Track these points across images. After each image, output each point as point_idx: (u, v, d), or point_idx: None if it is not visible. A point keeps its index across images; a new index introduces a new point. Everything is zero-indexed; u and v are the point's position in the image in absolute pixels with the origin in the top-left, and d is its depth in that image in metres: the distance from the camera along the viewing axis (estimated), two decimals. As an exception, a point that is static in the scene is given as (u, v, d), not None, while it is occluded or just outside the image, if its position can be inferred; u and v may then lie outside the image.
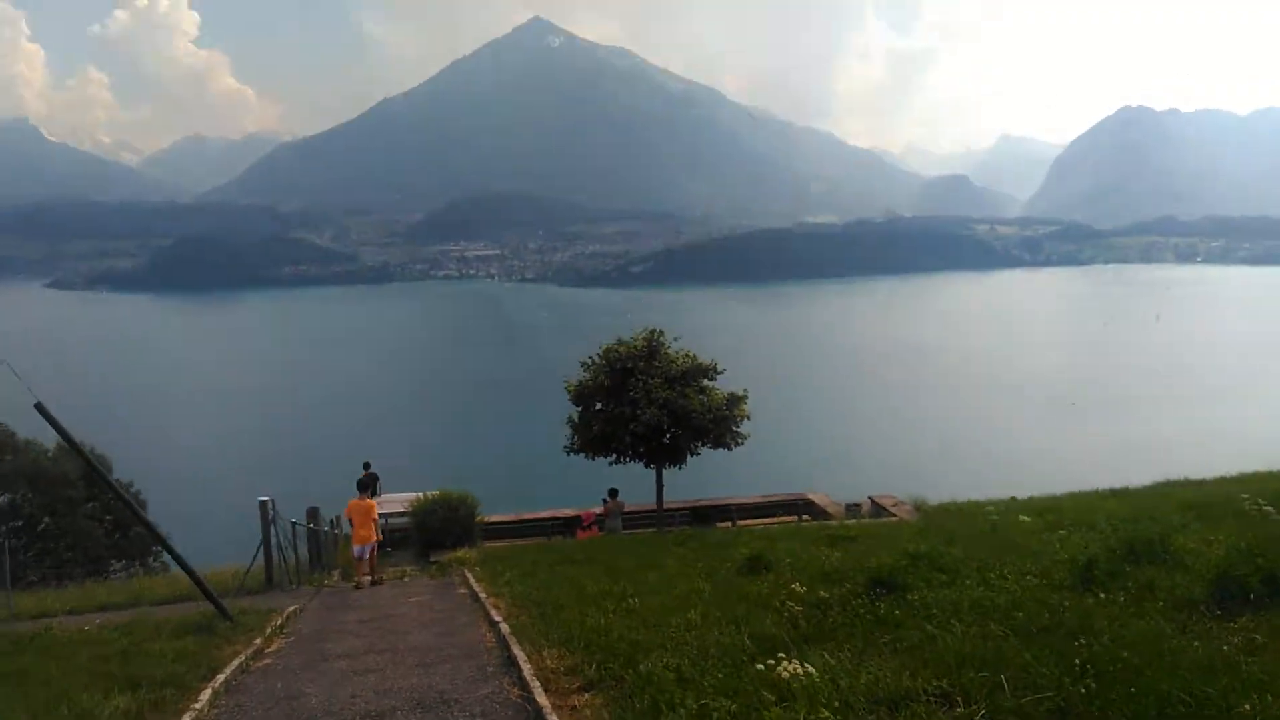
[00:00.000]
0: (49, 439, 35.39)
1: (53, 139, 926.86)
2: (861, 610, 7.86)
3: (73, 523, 31.48)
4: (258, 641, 8.68)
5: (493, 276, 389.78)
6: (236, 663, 7.65)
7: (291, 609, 10.96)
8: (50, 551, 30.27)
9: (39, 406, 8.12)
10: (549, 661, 7.10)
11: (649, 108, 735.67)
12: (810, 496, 26.22)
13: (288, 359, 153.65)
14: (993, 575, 9.22)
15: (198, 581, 9.21)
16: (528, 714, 6.05)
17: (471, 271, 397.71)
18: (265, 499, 13.23)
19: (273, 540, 13.38)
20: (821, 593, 8.53)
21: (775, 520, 22.76)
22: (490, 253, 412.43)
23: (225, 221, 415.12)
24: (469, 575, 13.38)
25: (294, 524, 14.84)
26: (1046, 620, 6.99)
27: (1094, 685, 5.33)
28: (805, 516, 24.68)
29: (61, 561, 30.09)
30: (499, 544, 21.39)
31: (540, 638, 7.87)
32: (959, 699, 5.47)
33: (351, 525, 15.91)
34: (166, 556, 35.41)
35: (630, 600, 9.36)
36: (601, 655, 6.99)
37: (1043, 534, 12.07)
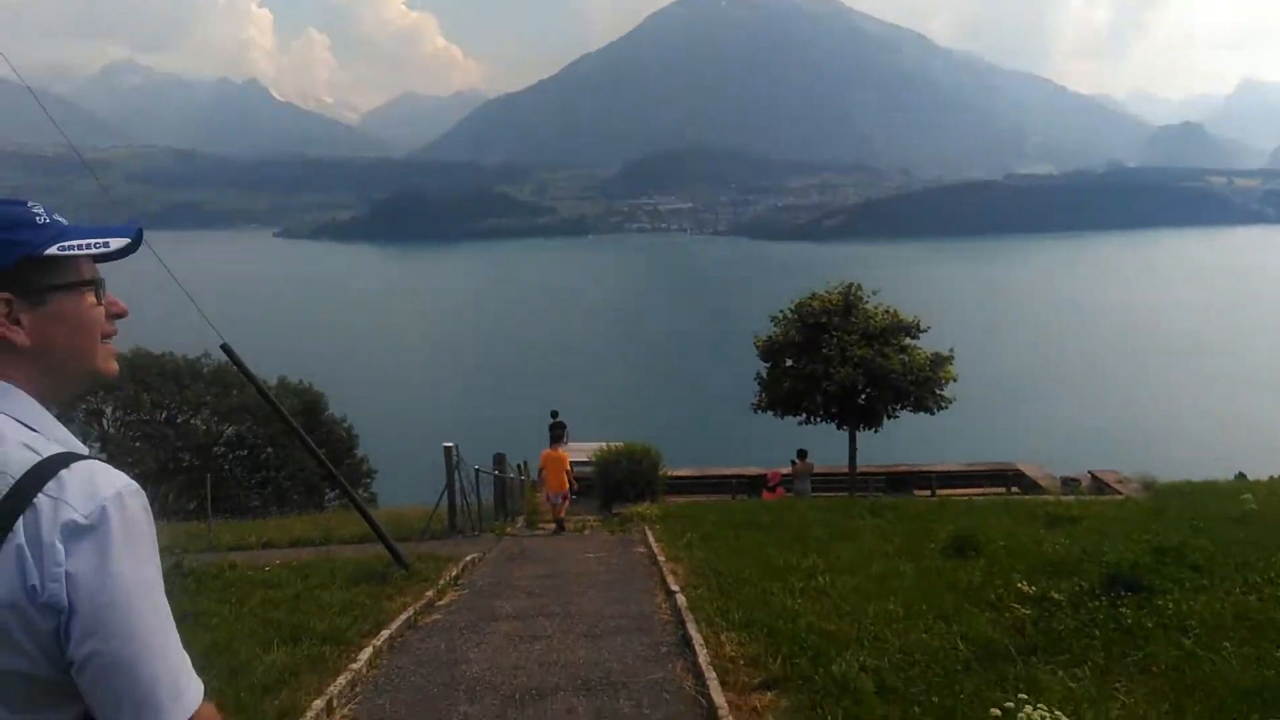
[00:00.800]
0: (273, 374, 38.24)
1: (280, 98, 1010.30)
2: (1100, 616, 6.58)
3: (291, 454, 33.81)
4: (429, 594, 8.42)
5: (685, 230, 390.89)
6: (404, 618, 7.36)
7: (470, 558, 10.77)
8: (271, 480, 32.49)
9: (225, 347, 8.10)
10: (728, 648, 6.32)
11: (848, 55, 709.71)
12: (1020, 466, 24.18)
13: (488, 308, 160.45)
14: (1258, 578, 7.64)
15: (375, 528, 9.09)
16: (701, 710, 5.29)
17: (664, 225, 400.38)
18: (449, 445, 13.20)
19: (456, 486, 13.34)
20: (1051, 592, 7.26)
21: (980, 491, 21.02)
22: (683, 206, 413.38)
23: (434, 176, 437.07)
24: (649, 533, 12.85)
25: (476, 470, 14.81)
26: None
27: None
28: (1014, 489, 22.75)
29: (281, 489, 32.27)
30: (681, 499, 20.91)
31: (719, 616, 7.10)
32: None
33: (544, 474, 15.94)
34: (376, 487, 37.79)
35: (821, 578, 8.43)
36: (787, 646, 6.13)
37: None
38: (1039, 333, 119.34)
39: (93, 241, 1.45)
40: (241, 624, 6.84)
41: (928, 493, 22.22)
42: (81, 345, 1.47)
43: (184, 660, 1.33)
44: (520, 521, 17.27)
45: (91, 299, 1.48)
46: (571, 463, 16.70)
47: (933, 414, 21.01)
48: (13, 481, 1.27)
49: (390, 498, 31.96)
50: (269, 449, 33.17)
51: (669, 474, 21.30)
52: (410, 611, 7.58)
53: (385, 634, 6.77)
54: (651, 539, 12.11)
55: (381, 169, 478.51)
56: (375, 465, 38.38)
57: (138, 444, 31.37)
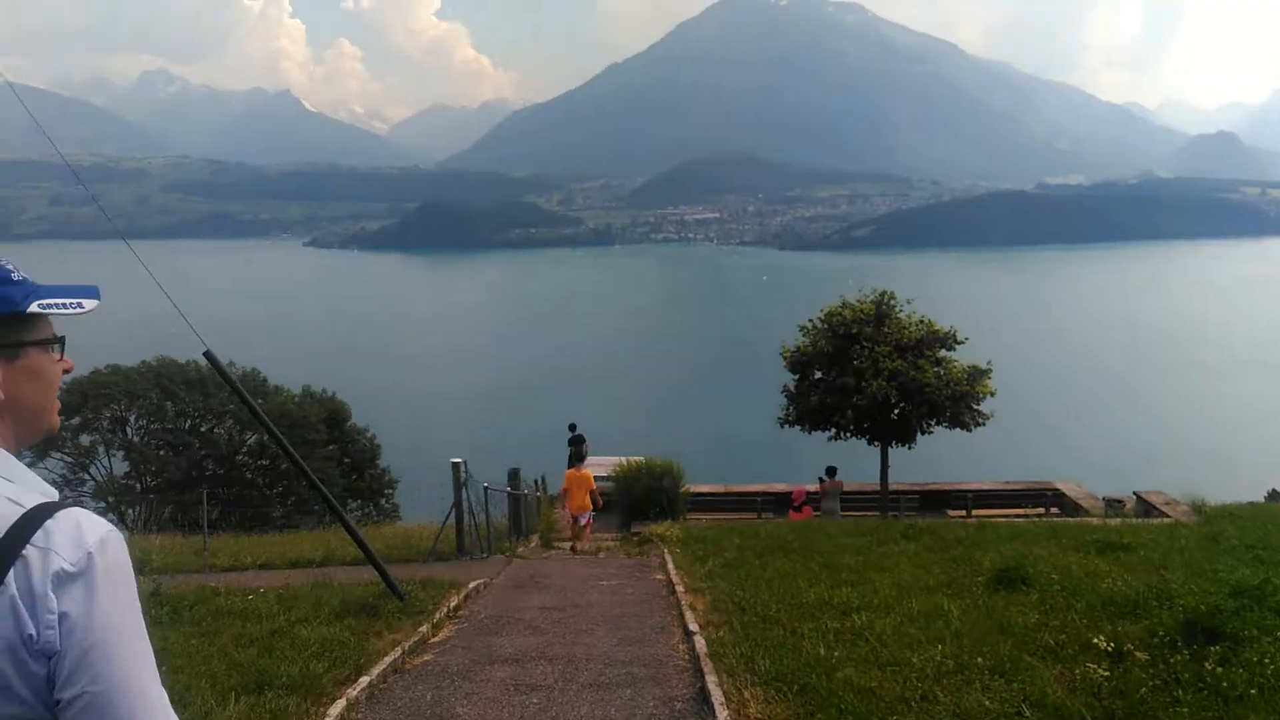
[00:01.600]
0: (297, 382, 37.86)
1: (312, 109, 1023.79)
2: (1183, 673, 5.67)
3: (312, 464, 33.37)
4: (423, 629, 7.63)
5: (711, 240, 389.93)
6: (389, 660, 6.56)
7: (473, 585, 9.99)
8: (292, 491, 31.99)
9: (207, 354, 7.44)
10: (752, 707, 5.48)
11: (878, 64, 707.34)
12: (1059, 486, 23.09)
13: (514, 317, 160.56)
14: (1358, 626, 6.69)
15: (368, 552, 8.33)
16: (719, 793, 4.45)
17: (690, 235, 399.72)
18: (457, 460, 12.45)
19: (465, 505, 12.58)
20: (1123, 642, 6.35)
21: (1019, 513, 19.96)
22: (709, 216, 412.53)
23: (463, 186, 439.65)
24: (668, 558, 12.02)
25: (485, 487, 14.04)
26: None
27: None
28: (1054, 509, 21.68)
29: (302, 500, 31.76)
30: (704, 518, 20.08)
31: (743, 667, 6.26)
32: None
33: (568, 494, 15.31)
34: (399, 497, 37.28)
35: (856, 618, 7.57)
36: (823, 710, 5.28)
37: None
38: (1071, 346, 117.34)
39: (69, 301, 1.50)
40: (206, 665, 6.08)
41: (962, 513, 21.20)
42: (46, 400, 1.53)
43: (163, 699, 1.40)
44: (534, 541, 16.51)
45: (56, 356, 1.54)
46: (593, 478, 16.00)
47: (969, 431, 20.00)
48: (0, 535, 1.31)
49: (412, 511, 31.44)
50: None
51: (691, 491, 20.46)
52: (398, 652, 6.79)
53: (364, 681, 5.98)
54: (671, 565, 11.29)
55: (411, 179, 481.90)
56: (398, 476, 37.89)
57: (161, 452, 31.07)
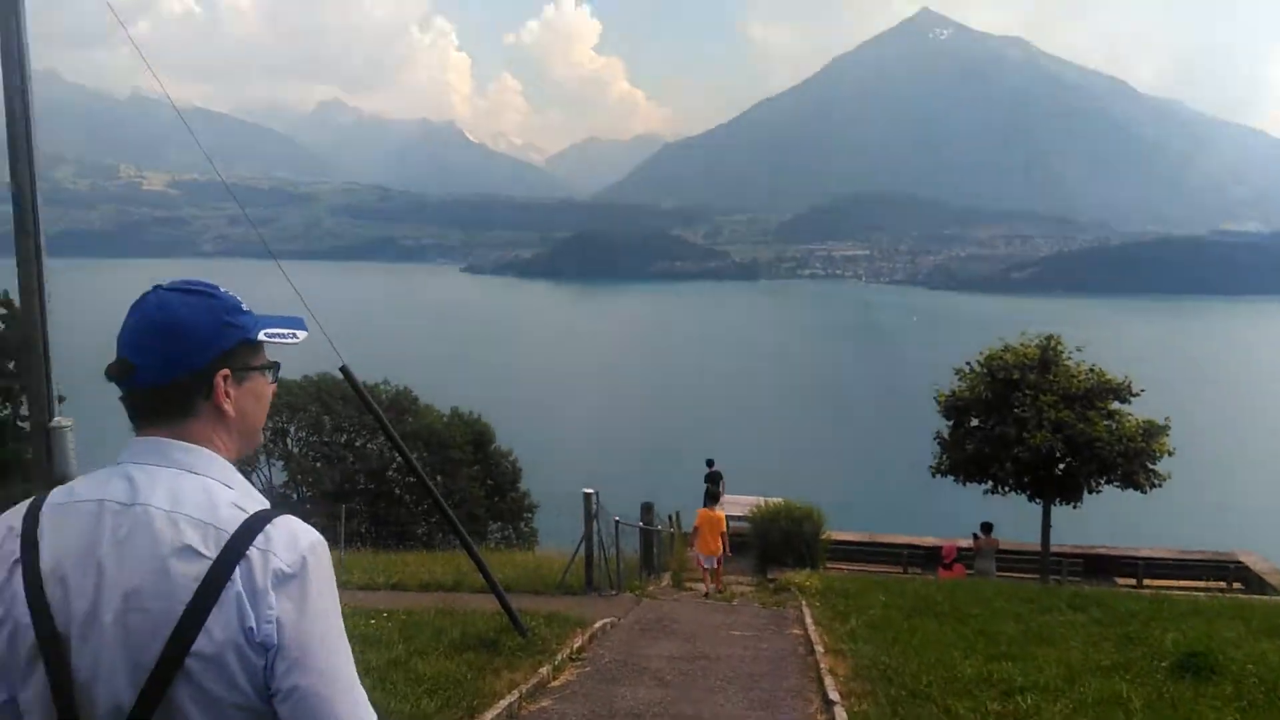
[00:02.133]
0: (446, 403, 38.92)
1: (474, 140, 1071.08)
2: None
3: (457, 483, 34.10)
4: (543, 671, 7.26)
5: (859, 277, 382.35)
6: (505, 704, 6.21)
7: (600, 624, 9.58)
8: (434, 510, 32.66)
9: (343, 369, 7.38)
10: (903, 805, 4.80)
11: (1042, 100, 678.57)
12: (1242, 558, 20.85)
13: (657, 349, 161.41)
14: None
15: (492, 584, 8.04)
16: None
17: (838, 272, 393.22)
18: (589, 491, 12.12)
19: (595, 538, 12.23)
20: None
21: (1197, 585, 18.03)
22: (858, 253, 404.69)
23: (613, 218, 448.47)
24: (806, 610, 11.29)
25: (616, 521, 13.66)
26: None
27: None
28: (1236, 584, 19.54)
29: (446, 518, 32.32)
30: (845, 568, 19.11)
31: (891, 752, 5.56)
32: None
33: (698, 532, 14.84)
34: (538, 522, 37.59)
35: (1020, 700, 6.71)
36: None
37: None
38: (1252, 405, 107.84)
39: (286, 332, 1.70)
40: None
41: (1132, 582, 19.38)
42: (260, 419, 1.71)
43: (364, 695, 1.53)
44: (665, 580, 16.01)
45: (270, 379, 1.73)
46: (727, 518, 15.40)
47: (1144, 492, 18.26)
48: (228, 536, 1.46)
49: (549, 538, 31.56)
50: (438, 476, 33.58)
51: (832, 538, 19.52)
52: (514, 696, 6.43)
53: (476, 729, 5.64)
54: (809, 620, 10.56)
55: (564, 209, 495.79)
56: (537, 500, 38.24)
57: (317, 464, 32.42)
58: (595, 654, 8.38)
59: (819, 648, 8.78)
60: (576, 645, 8.38)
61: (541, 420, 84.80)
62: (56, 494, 1.56)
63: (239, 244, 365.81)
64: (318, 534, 1.55)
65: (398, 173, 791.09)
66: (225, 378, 1.60)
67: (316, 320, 7.13)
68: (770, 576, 16.38)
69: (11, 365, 16.92)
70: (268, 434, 34.81)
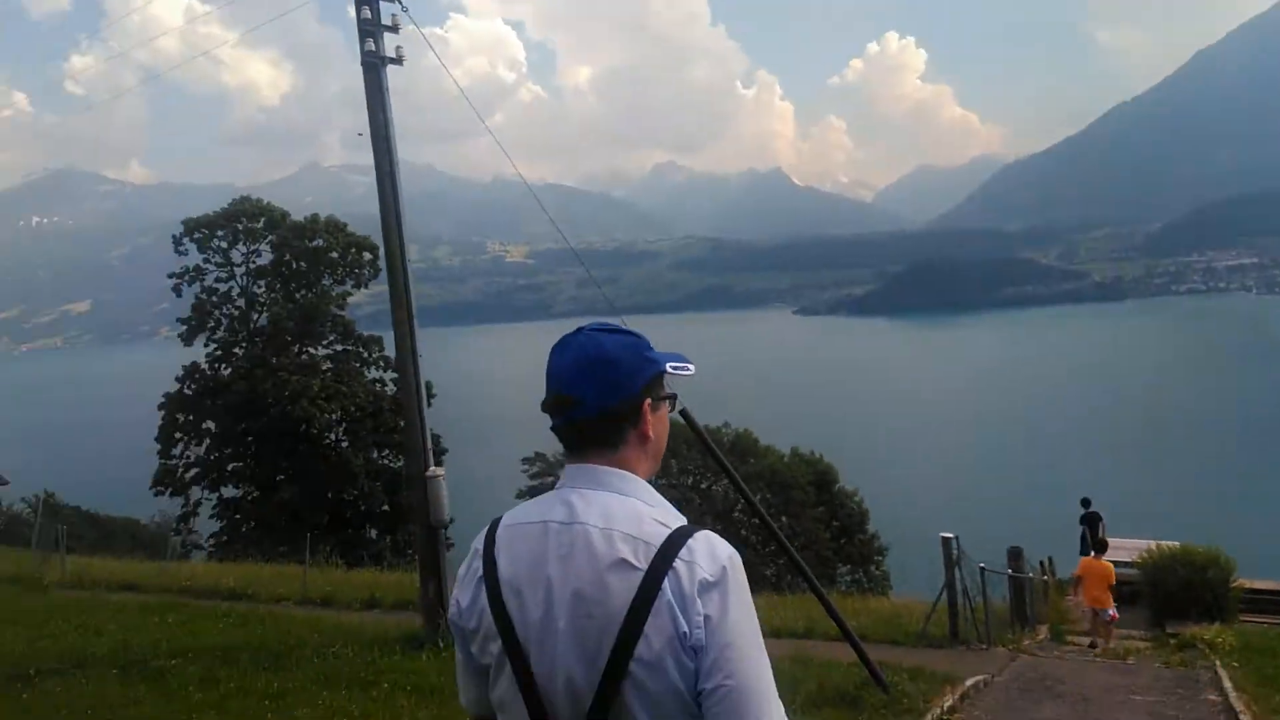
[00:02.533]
0: (785, 444, 38.98)
1: (800, 183, 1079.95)
2: None
3: (802, 525, 33.84)
4: (913, 731, 6.71)
5: (1249, 289, 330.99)
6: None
7: (971, 682, 8.76)
8: (781, 552, 32.58)
9: (683, 412, 7.41)
10: None
11: None
12: None
13: (1007, 381, 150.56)
14: None
15: (848, 634, 7.59)
16: None
17: (1221, 284, 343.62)
18: (948, 536, 11.27)
19: (958, 585, 11.32)
20: None
21: None
22: (1245, 261, 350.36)
23: (949, 246, 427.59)
24: (1222, 673, 9.62)
25: (981, 569, 12.55)
26: None
27: None
28: None
29: (793, 562, 32.21)
30: (1265, 622, 16.20)
31: None
32: None
33: (1080, 584, 13.41)
34: (889, 564, 36.24)
35: None
36: None
37: None
38: None
39: (686, 365, 1.89)
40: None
41: None
42: (664, 443, 1.89)
43: (780, 701, 1.62)
44: (1041, 633, 14.47)
45: (671, 408, 1.90)
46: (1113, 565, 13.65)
47: None
48: (655, 550, 1.61)
49: (902, 584, 30.30)
50: (782, 517, 33.59)
51: (1245, 587, 16.67)
52: (885, 758, 5.96)
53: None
54: (1228, 684, 8.96)
55: (896, 242, 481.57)
56: (887, 543, 37.01)
57: (668, 506, 33.89)
58: (969, 716, 7.63)
59: (1246, 718, 7.33)
60: (947, 704, 7.72)
61: (887, 460, 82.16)
62: (509, 516, 1.81)
63: (588, 303, 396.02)
64: (733, 548, 1.65)
65: (729, 223, 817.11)
66: (649, 405, 1.80)
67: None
68: (1170, 632, 14.26)
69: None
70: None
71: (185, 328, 36.29)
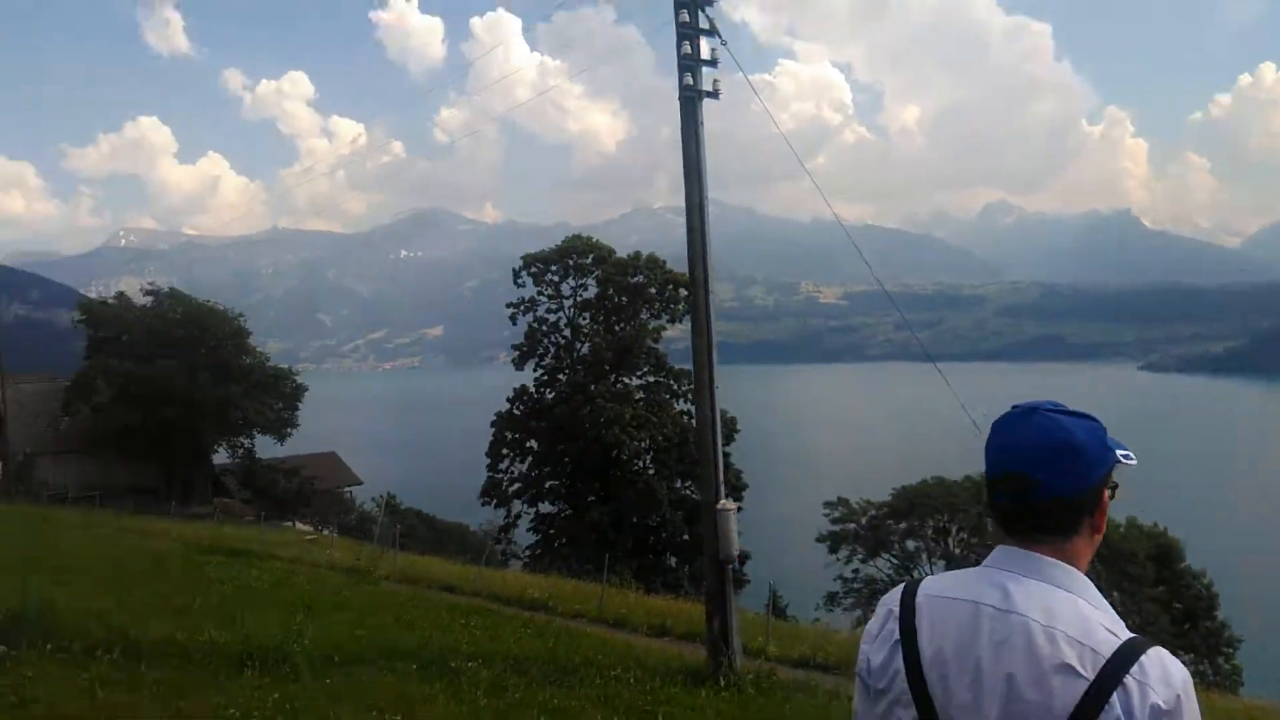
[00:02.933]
0: (1119, 513, 35.08)
1: (1151, 226, 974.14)
2: None
3: (1136, 603, 30.53)
4: None
5: None
6: None
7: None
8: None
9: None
10: None
11: None
12: None
13: None
14: None
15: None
16: None
17: None
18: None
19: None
20: None
21: None
22: None
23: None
24: None
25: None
26: None
27: None
28: None
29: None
30: None
31: None
32: None
33: None
34: (1240, 656, 31.93)
35: None
36: None
37: None
38: None
39: (1129, 454, 1.77)
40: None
41: None
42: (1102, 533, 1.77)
43: None
44: None
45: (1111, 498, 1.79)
46: None
47: None
48: (1104, 661, 1.51)
49: (1257, 681, 26.35)
50: (1114, 592, 30.73)
51: None
52: None
53: None
54: None
55: (1268, 295, 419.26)
56: (1240, 635, 32.73)
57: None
58: None
59: None
60: None
61: (1244, 541, 71.08)
62: (930, 585, 1.75)
63: (902, 347, 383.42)
64: (1187, 673, 1.54)
65: (1063, 268, 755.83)
66: (1107, 495, 1.72)
67: (975, 423, 6.69)
68: None
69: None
70: (929, 532, 35.14)
71: (518, 354, 40.03)
